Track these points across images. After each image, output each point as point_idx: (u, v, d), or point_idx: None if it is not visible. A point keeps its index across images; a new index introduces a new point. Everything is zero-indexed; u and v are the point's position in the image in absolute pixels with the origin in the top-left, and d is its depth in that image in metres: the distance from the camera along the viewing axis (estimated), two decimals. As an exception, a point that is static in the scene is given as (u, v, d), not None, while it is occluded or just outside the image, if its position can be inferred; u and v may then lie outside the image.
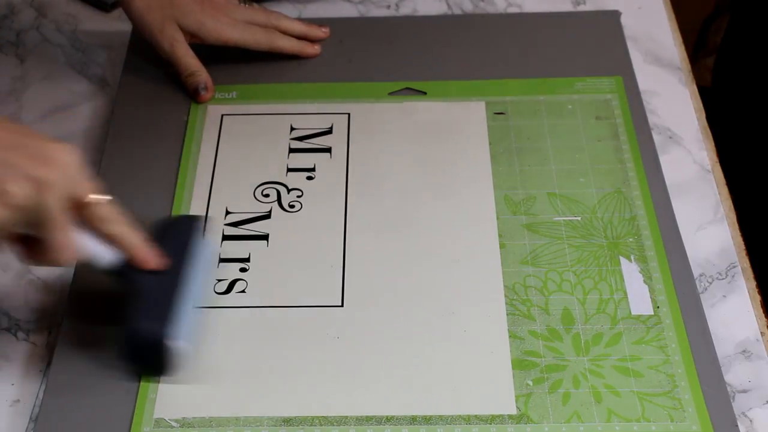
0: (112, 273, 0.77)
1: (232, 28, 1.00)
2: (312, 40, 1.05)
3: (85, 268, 0.84)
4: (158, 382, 0.78)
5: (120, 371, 0.78)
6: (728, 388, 0.78)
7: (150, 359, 0.77)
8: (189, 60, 0.99)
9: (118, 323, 0.77)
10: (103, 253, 0.76)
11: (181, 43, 0.98)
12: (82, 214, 0.73)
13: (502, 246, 0.87)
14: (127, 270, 0.77)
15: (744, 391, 0.80)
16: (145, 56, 1.02)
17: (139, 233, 0.77)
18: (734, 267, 0.88)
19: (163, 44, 0.98)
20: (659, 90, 1.02)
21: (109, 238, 0.75)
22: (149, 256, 0.77)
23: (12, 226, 0.68)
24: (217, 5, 1.00)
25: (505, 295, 0.83)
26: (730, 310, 0.85)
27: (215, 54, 1.01)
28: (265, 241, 0.88)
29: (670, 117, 1.00)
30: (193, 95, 0.99)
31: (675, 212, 0.89)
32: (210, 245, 0.84)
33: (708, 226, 0.91)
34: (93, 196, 0.73)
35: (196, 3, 0.98)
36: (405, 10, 1.11)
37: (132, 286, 0.77)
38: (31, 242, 0.71)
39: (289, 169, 0.94)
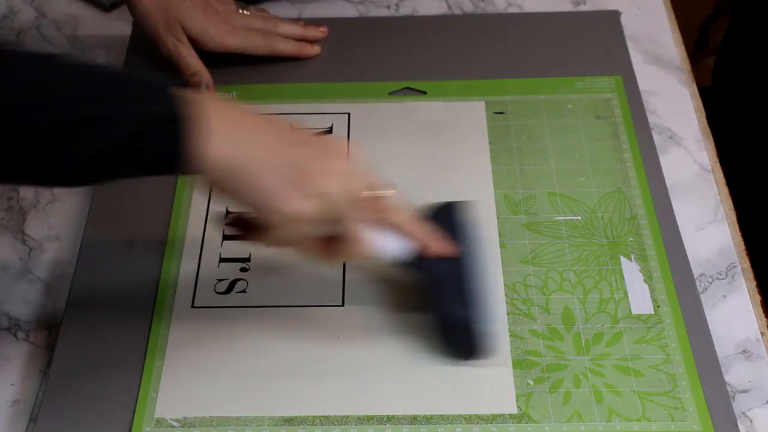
0: (407, 265, 0.78)
1: (232, 36, 1.00)
2: (311, 41, 1.05)
3: (87, 270, 0.84)
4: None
5: (120, 371, 0.79)
6: (728, 388, 0.78)
7: (465, 344, 0.78)
8: (192, 60, 0.99)
9: (423, 311, 0.80)
10: (394, 246, 0.77)
11: (185, 44, 0.98)
12: (372, 208, 0.75)
13: (502, 245, 0.87)
14: (421, 260, 0.78)
15: (744, 391, 0.80)
16: (145, 56, 1.02)
17: (426, 224, 0.79)
18: (734, 267, 0.88)
19: (168, 43, 0.98)
20: (659, 90, 1.02)
21: (398, 228, 0.77)
22: (443, 244, 0.79)
23: (316, 221, 0.71)
24: (219, 12, 1.00)
25: (506, 295, 0.83)
26: (730, 310, 0.85)
27: (215, 55, 1.01)
28: (266, 241, 0.88)
29: (670, 117, 1.00)
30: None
31: (675, 212, 0.89)
32: (473, 226, 0.84)
33: (708, 226, 0.91)
34: (383, 191, 0.76)
35: (200, 9, 0.98)
36: (405, 10, 1.11)
37: (430, 275, 0.79)
38: (328, 242, 0.74)
39: (290, 169, 0.94)
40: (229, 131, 0.68)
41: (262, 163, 0.69)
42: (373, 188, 0.75)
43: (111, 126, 0.64)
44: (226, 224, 0.77)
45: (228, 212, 0.88)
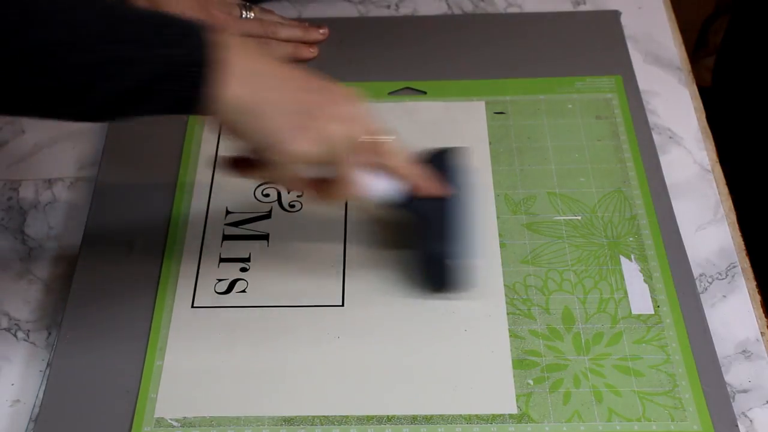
0: (397, 206, 0.82)
1: None
2: (310, 43, 1.05)
3: (89, 262, 0.84)
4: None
5: (123, 372, 0.79)
6: (728, 388, 0.78)
7: (448, 278, 0.82)
8: None
9: (408, 247, 0.85)
10: (388, 188, 0.81)
11: None
12: (370, 151, 0.78)
13: (502, 245, 0.87)
14: (411, 200, 0.82)
15: (744, 391, 0.80)
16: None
17: (420, 167, 0.82)
18: (734, 267, 0.88)
19: None
20: (659, 90, 1.02)
21: (394, 171, 0.80)
22: (436, 185, 0.82)
23: (317, 162, 0.75)
24: (216, 22, 1.00)
25: (506, 295, 0.83)
26: (730, 310, 0.85)
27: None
28: (266, 241, 0.88)
29: (670, 117, 1.00)
30: None
31: (675, 212, 0.89)
32: (470, 172, 0.88)
33: (708, 226, 0.91)
34: (381, 135, 0.79)
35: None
36: (405, 10, 1.11)
37: (419, 214, 0.83)
38: (321, 182, 0.78)
39: (290, 169, 0.94)
40: (248, 75, 0.71)
41: (273, 107, 0.72)
42: (373, 133, 0.78)
43: (139, 67, 0.67)
44: (223, 164, 0.79)
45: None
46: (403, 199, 0.82)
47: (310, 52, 1.04)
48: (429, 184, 0.82)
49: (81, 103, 0.68)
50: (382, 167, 0.80)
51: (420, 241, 0.83)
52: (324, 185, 0.78)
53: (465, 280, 0.83)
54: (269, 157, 0.74)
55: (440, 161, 0.86)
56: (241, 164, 0.78)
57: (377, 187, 0.81)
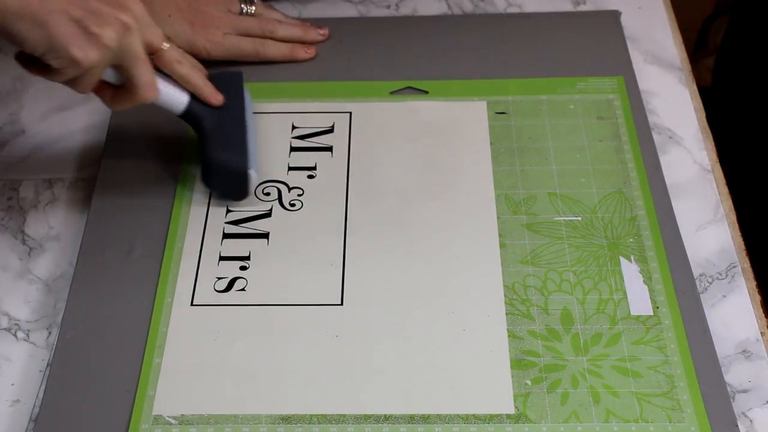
0: (183, 115, 0.88)
1: (220, 46, 1.00)
2: (309, 43, 1.04)
3: (88, 260, 0.85)
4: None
5: (121, 370, 0.79)
6: (728, 388, 0.78)
7: (231, 185, 0.89)
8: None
9: (200, 157, 0.90)
10: (174, 95, 0.87)
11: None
12: (154, 59, 0.83)
13: (502, 246, 0.87)
14: (197, 111, 0.88)
15: (744, 391, 0.79)
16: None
17: (203, 74, 0.88)
18: (734, 267, 0.88)
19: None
20: (659, 90, 1.02)
21: (179, 78, 0.86)
22: (215, 93, 0.89)
23: (103, 67, 0.78)
24: (209, 21, 1.00)
25: (505, 295, 0.83)
26: (730, 310, 0.85)
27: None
28: (266, 240, 0.88)
29: (670, 117, 1.00)
30: None
31: (675, 212, 0.89)
32: (249, 93, 0.95)
33: (708, 226, 0.91)
34: (163, 42, 0.83)
35: (186, 22, 0.98)
36: (405, 10, 1.11)
37: (205, 125, 0.89)
38: (115, 89, 0.82)
39: (290, 168, 0.94)
40: None
41: (52, 13, 0.74)
42: (159, 40, 0.83)
43: None
44: (17, 59, 0.80)
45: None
46: (185, 107, 0.87)
47: (307, 52, 1.04)
48: (210, 93, 0.88)
49: None
50: (169, 73, 0.85)
51: (207, 151, 0.88)
52: (115, 90, 0.82)
53: (245, 187, 0.89)
54: (49, 63, 0.76)
55: (221, 79, 0.91)
56: (34, 63, 0.78)
57: (165, 92, 0.86)
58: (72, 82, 0.79)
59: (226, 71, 0.94)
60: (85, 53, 0.75)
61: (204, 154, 0.89)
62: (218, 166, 0.89)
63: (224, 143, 0.89)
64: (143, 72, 0.81)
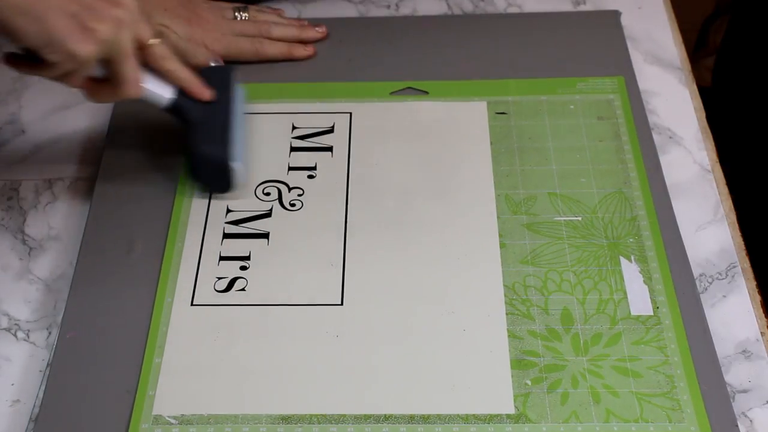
0: (169, 109, 0.89)
1: (218, 44, 1.00)
2: (307, 42, 1.04)
3: (88, 260, 0.85)
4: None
5: (121, 370, 0.79)
6: (728, 388, 0.78)
7: (215, 177, 0.90)
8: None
9: (184, 150, 0.91)
10: (160, 90, 0.87)
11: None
12: (142, 54, 0.84)
13: (502, 246, 0.87)
14: (183, 105, 0.89)
15: (744, 391, 0.79)
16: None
17: (190, 70, 0.89)
18: (734, 267, 0.88)
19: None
20: (659, 90, 1.02)
21: (166, 74, 0.87)
22: (203, 88, 0.89)
23: (96, 61, 0.79)
24: (206, 22, 1.00)
25: (505, 295, 0.83)
26: (730, 310, 0.85)
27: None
28: (266, 240, 0.88)
29: (670, 117, 1.00)
30: None
31: (675, 212, 0.89)
32: (242, 88, 0.95)
33: (708, 226, 0.91)
34: (152, 39, 0.84)
35: (183, 21, 0.98)
36: (405, 10, 1.11)
37: (190, 118, 0.89)
38: (97, 82, 0.83)
39: (291, 168, 0.94)
40: None
41: (50, 8, 0.75)
42: (148, 36, 0.84)
43: None
44: (6, 60, 0.81)
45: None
46: (171, 102, 0.88)
47: (305, 51, 1.04)
48: (199, 88, 0.89)
49: None
50: (156, 69, 0.86)
51: (194, 144, 0.89)
52: (99, 84, 0.83)
53: (230, 180, 0.89)
54: (46, 58, 0.77)
55: (211, 74, 0.92)
56: (20, 61, 0.80)
57: (152, 88, 0.86)
58: (64, 77, 0.80)
59: (217, 66, 0.96)
60: (82, 47, 0.77)
61: (188, 147, 0.89)
62: (202, 158, 0.89)
63: (209, 136, 0.89)
64: (130, 68, 0.82)
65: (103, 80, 0.83)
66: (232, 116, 0.91)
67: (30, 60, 0.78)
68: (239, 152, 0.89)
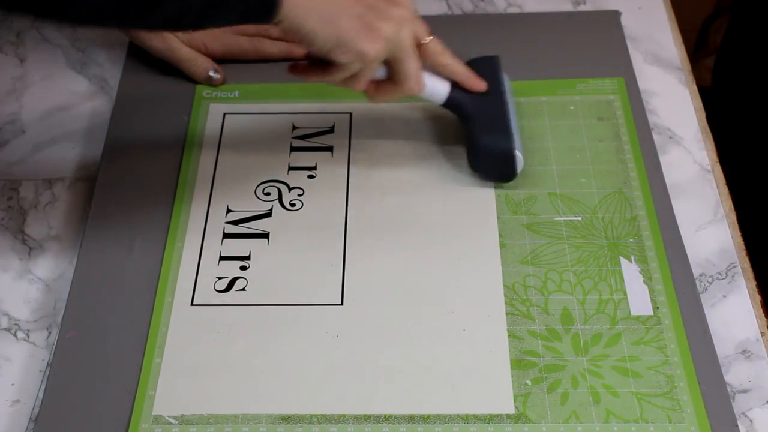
0: (446, 104, 0.91)
1: (218, 42, 1.00)
2: None
3: (92, 252, 0.85)
4: None
5: (121, 369, 0.79)
6: (728, 388, 0.78)
7: (498, 167, 0.91)
8: (185, 49, 0.99)
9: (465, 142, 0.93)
10: (437, 86, 0.90)
11: (173, 38, 0.98)
12: (419, 51, 0.86)
13: (502, 245, 0.87)
14: (461, 99, 0.91)
15: (744, 391, 0.79)
16: (145, 56, 1.02)
17: (465, 66, 0.91)
18: (734, 267, 0.88)
19: (154, 40, 0.98)
20: (659, 90, 1.02)
21: (442, 69, 0.89)
22: (478, 80, 0.91)
23: (380, 60, 0.82)
24: None
25: (505, 295, 0.83)
26: (730, 310, 0.85)
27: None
28: (266, 240, 0.88)
29: (670, 117, 1.00)
30: (206, 81, 1.00)
31: (675, 212, 0.89)
32: (507, 76, 0.96)
33: (708, 226, 0.91)
34: (428, 36, 0.87)
35: None
36: (406, 10, 1.11)
37: (468, 111, 0.91)
38: (378, 83, 0.86)
39: (291, 168, 0.94)
40: None
41: (338, 10, 0.78)
42: (424, 33, 0.86)
43: None
44: (289, 69, 0.85)
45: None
46: (448, 97, 0.90)
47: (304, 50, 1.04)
48: (474, 81, 0.90)
49: (156, 13, 0.72)
50: (433, 65, 0.88)
51: (473, 136, 0.91)
52: (380, 84, 0.85)
53: (513, 168, 0.90)
54: (336, 59, 0.80)
55: (479, 65, 0.93)
56: (303, 69, 0.84)
57: (431, 84, 0.88)
58: (350, 79, 0.83)
59: (482, 56, 0.96)
60: (370, 46, 0.79)
61: (470, 138, 0.91)
62: (486, 149, 0.90)
63: (489, 126, 0.90)
64: (412, 65, 0.84)
65: (381, 82, 0.85)
66: (506, 105, 0.92)
67: (318, 65, 0.82)
68: (518, 140, 0.90)
